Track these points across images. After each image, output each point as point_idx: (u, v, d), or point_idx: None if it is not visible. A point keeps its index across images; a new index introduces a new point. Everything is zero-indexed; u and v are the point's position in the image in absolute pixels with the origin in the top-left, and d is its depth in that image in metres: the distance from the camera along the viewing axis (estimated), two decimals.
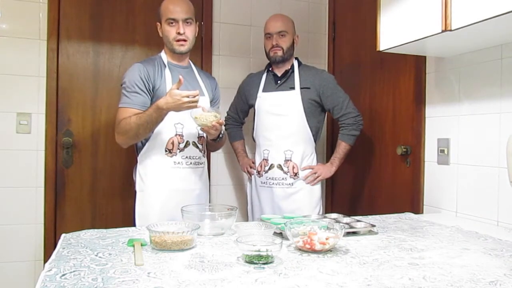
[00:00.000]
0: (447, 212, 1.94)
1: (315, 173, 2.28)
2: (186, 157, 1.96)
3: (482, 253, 1.24)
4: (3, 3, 2.37)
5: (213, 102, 2.13)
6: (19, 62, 2.40)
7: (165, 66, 1.97)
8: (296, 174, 2.26)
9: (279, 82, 2.32)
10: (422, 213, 2.07)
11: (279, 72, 2.34)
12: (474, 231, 1.52)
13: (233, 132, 2.55)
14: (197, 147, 2.00)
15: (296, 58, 2.38)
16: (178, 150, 1.94)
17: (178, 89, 1.75)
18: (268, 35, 2.31)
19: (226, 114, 2.56)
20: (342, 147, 2.29)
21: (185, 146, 1.96)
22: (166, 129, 1.91)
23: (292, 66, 2.33)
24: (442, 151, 1.97)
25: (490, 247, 1.30)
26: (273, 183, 2.28)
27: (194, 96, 1.74)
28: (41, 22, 2.43)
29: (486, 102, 1.76)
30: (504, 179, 1.65)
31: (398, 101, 2.30)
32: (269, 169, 2.29)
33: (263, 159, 2.31)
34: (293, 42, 2.33)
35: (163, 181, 1.93)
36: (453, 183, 1.92)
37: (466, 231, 1.54)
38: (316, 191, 2.31)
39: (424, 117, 2.09)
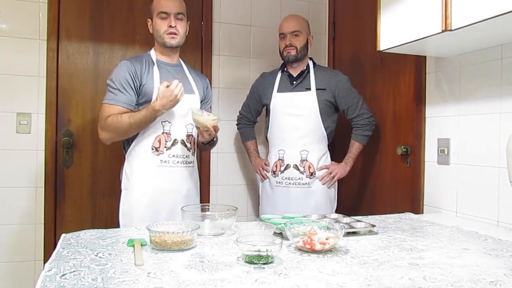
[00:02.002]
0: (447, 212, 1.94)
1: (330, 173, 2.29)
2: (173, 155, 1.92)
3: (482, 253, 1.24)
4: (3, 3, 2.37)
5: (204, 101, 2.11)
6: (19, 62, 2.40)
7: (153, 63, 1.95)
8: (312, 174, 2.27)
9: (294, 82, 2.32)
10: (422, 213, 2.06)
11: (294, 73, 2.35)
12: (474, 231, 1.52)
13: (246, 132, 2.55)
14: (186, 145, 1.97)
15: (311, 59, 2.38)
16: (165, 149, 1.91)
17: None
18: (282, 35, 2.32)
19: (238, 114, 2.57)
20: (356, 147, 2.32)
21: (173, 145, 1.92)
22: (153, 127, 1.87)
23: (308, 66, 2.34)
24: (442, 151, 1.97)
25: (490, 247, 1.30)
26: (289, 183, 2.28)
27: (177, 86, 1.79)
28: (41, 22, 2.43)
29: (486, 102, 1.76)
30: (504, 179, 1.65)
31: (398, 101, 2.30)
32: (285, 169, 2.29)
33: (279, 159, 2.31)
34: (307, 42, 2.33)
35: (148, 179, 1.89)
36: (453, 183, 1.92)
37: (466, 231, 1.54)
38: (332, 191, 2.33)
39: (424, 117, 2.09)
